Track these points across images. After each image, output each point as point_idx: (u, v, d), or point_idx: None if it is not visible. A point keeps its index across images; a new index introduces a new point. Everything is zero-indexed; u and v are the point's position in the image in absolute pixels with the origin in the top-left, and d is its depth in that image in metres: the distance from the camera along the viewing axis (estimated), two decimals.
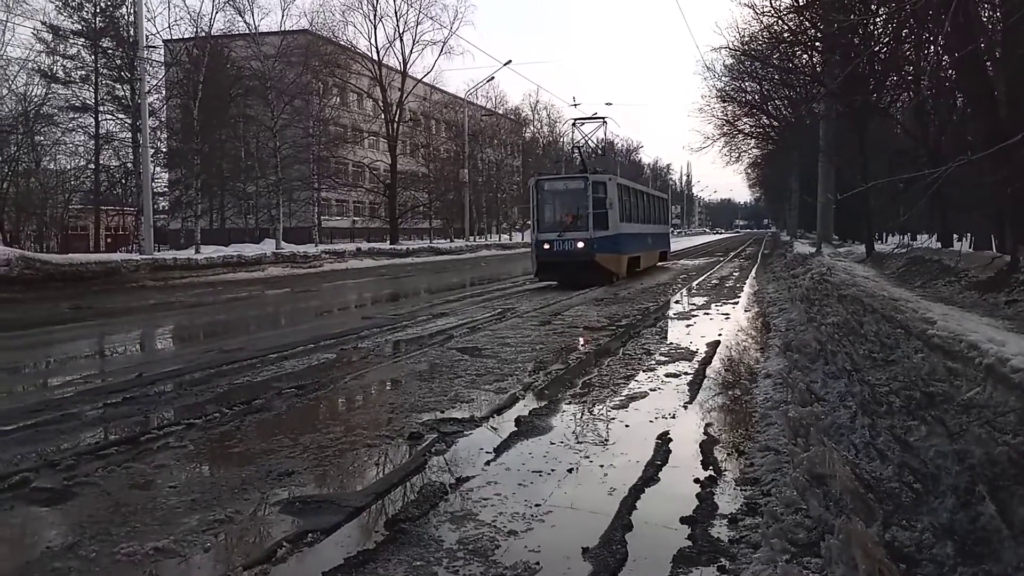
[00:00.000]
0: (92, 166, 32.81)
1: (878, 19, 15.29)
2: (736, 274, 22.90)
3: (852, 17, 13.33)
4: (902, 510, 3.47)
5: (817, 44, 19.86)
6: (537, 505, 4.03)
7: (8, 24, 26.30)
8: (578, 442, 5.21)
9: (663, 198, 31.06)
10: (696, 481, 4.33)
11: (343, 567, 3.33)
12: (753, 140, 42.60)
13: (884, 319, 7.78)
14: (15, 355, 9.94)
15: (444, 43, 44.37)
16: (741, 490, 4.18)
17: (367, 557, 3.42)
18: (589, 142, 24.61)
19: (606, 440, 5.22)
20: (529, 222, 21.33)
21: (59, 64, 31.30)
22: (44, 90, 30.80)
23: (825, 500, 3.56)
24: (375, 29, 44.55)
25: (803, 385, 5.66)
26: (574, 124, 23.89)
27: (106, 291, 19.89)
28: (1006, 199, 11.55)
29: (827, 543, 3.12)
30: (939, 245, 17.60)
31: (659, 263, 27.15)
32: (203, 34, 32.48)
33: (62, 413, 6.09)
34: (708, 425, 5.54)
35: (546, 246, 18.38)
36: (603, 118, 23.91)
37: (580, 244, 18.04)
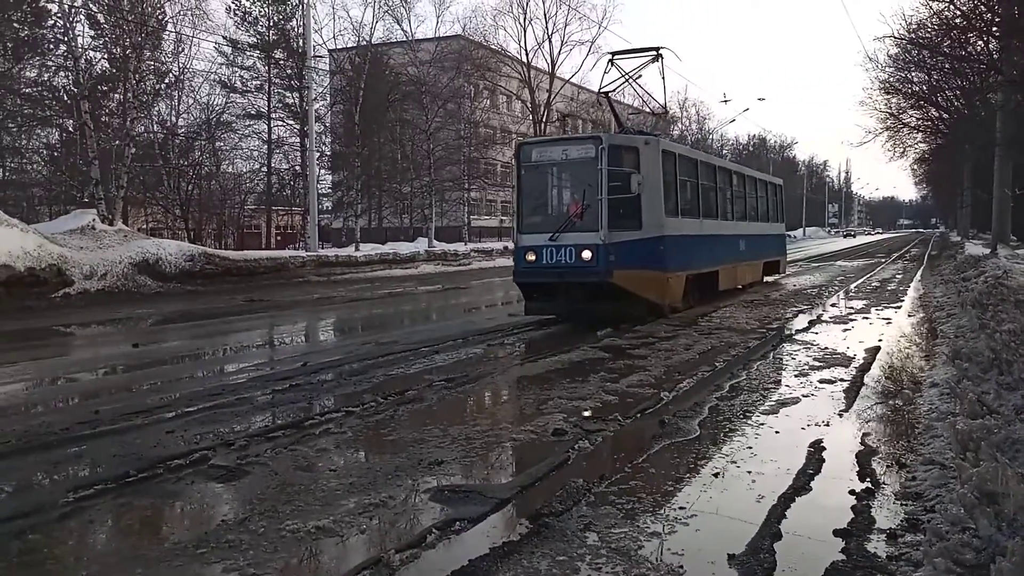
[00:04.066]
0: (264, 169, 35.34)
1: None
2: (899, 277, 21.50)
3: None
4: None
5: (994, 29, 18.27)
6: (681, 508, 3.99)
7: (193, 39, 28.73)
8: (724, 446, 5.09)
9: (772, 183, 21.04)
10: (851, 493, 4.13)
11: (488, 556, 3.42)
12: (920, 134, 39.73)
13: None
14: (198, 343, 10.91)
15: (592, 42, 44.39)
16: (901, 504, 3.95)
17: (511, 548, 3.51)
18: (635, 85, 14.99)
19: (754, 446, 5.07)
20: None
21: (237, 75, 33.95)
22: (224, 99, 33.48)
23: (996, 520, 3.30)
24: (524, 32, 45.12)
25: (974, 396, 5.26)
26: (611, 60, 14.42)
27: (275, 285, 21.38)
28: None
29: (998, 565, 2.90)
30: None
31: (767, 278, 19.50)
32: (364, 43, 34.17)
33: (236, 397, 6.64)
34: (865, 435, 5.26)
35: (530, 256, 11.34)
36: (657, 49, 14.08)
37: (586, 254, 10.88)
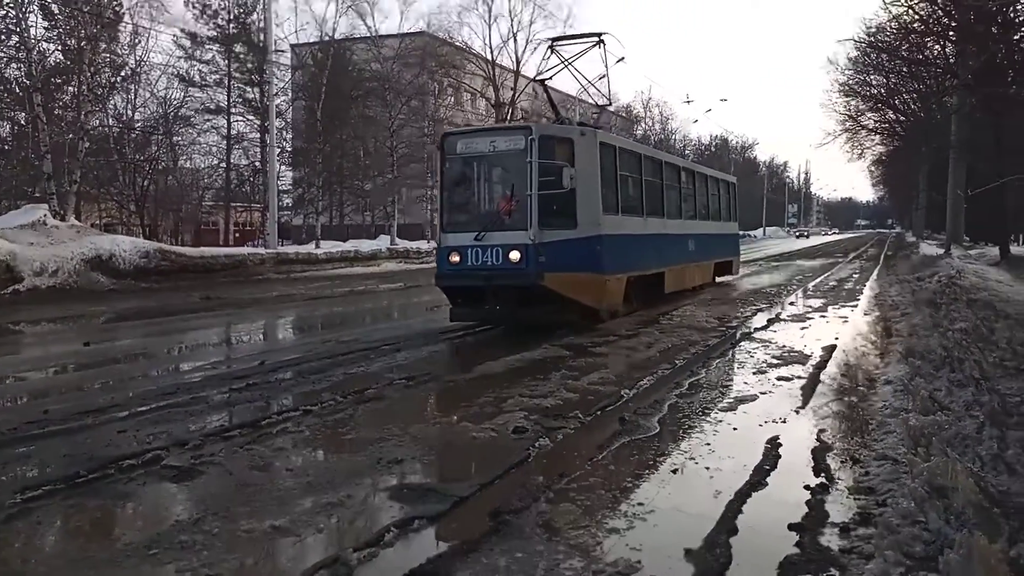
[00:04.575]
0: (223, 165, 34.81)
1: (1018, 5, 14.28)
2: (856, 276, 21.91)
3: (990, 4, 12.50)
4: None
5: (950, 34, 18.72)
6: (640, 504, 4.01)
7: (151, 32, 28.12)
8: (683, 443, 5.14)
9: (725, 181, 19.82)
10: (806, 488, 4.19)
11: (447, 555, 3.41)
12: (877, 136, 40.74)
13: (1018, 325, 7.30)
14: (152, 341, 10.69)
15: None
16: (854, 499, 4.02)
17: (470, 546, 3.49)
18: (576, 71, 13.40)
19: (712, 442, 5.12)
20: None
21: (196, 69, 33.39)
22: (182, 93, 32.87)
23: (946, 513, 3.38)
24: (490, 29, 44.95)
25: (926, 393, 5.38)
26: (551, 47, 13.46)
27: (233, 283, 21.05)
28: None
29: (946, 557, 2.97)
30: None
31: (719, 278, 18.65)
32: (327, 38, 33.84)
33: (191, 396, 6.51)
34: (821, 431, 5.33)
35: (454, 258, 10.40)
36: (599, 35, 13.02)
37: (514, 254, 9.98)
